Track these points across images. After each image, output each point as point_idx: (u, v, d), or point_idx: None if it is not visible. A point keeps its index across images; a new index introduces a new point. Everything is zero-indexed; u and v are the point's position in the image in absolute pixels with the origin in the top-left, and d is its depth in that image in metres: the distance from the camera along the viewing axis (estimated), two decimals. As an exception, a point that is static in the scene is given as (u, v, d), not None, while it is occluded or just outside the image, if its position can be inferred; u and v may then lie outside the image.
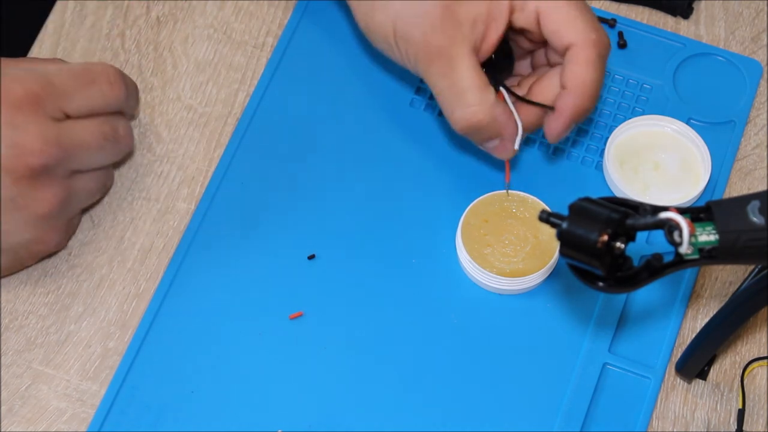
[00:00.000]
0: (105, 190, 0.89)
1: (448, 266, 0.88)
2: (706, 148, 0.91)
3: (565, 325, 0.87)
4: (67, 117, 0.82)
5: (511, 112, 0.85)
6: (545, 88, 0.86)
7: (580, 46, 0.83)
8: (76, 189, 0.84)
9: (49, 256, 0.88)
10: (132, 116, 0.92)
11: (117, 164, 0.91)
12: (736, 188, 0.92)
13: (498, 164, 0.91)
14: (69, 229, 0.87)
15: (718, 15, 0.98)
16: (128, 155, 0.91)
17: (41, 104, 0.80)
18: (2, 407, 0.84)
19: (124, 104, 0.86)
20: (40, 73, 0.81)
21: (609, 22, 0.96)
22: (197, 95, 0.94)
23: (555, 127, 0.85)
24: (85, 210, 0.90)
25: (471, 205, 0.88)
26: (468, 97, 0.83)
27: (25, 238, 0.83)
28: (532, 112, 0.86)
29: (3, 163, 0.79)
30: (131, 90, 0.86)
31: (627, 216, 0.70)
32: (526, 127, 0.86)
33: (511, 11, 0.84)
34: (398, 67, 0.94)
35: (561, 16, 0.84)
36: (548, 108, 0.85)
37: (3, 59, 0.83)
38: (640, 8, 0.98)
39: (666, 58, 0.95)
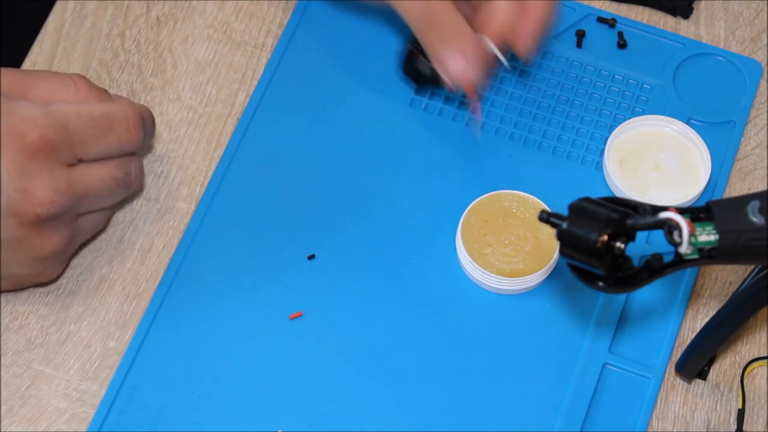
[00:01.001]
0: (108, 223, 0.89)
1: (448, 266, 0.88)
2: (706, 148, 0.91)
3: (565, 325, 0.87)
4: (80, 160, 0.82)
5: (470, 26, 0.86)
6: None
7: None
8: (80, 229, 0.84)
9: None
10: (148, 148, 0.92)
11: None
12: (736, 188, 0.92)
13: (498, 164, 0.91)
14: (68, 260, 0.87)
15: (718, 15, 0.98)
16: (137, 193, 0.91)
17: (56, 151, 0.79)
18: (2, 407, 0.84)
19: (140, 148, 0.85)
20: (57, 117, 0.80)
21: (609, 22, 0.96)
22: (197, 95, 0.94)
23: (526, 35, 0.86)
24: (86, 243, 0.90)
25: (471, 205, 0.88)
26: None
27: (26, 272, 0.83)
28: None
29: (11, 207, 0.79)
30: (149, 131, 0.85)
31: (627, 216, 0.70)
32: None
33: None
34: (399, 67, 0.94)
35: None
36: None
37: (19, 75, 0.82)
38: (640, 8, 0.98)
39: (666, 58, 0.95)
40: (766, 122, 0.94)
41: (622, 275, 0.71)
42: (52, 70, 0.92)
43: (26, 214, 0.79)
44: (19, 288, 0.87)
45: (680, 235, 0.69)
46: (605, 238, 0.69)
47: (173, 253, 0.88)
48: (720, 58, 0.96)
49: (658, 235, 0.71)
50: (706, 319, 0.82)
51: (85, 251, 0.89)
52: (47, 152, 0.79)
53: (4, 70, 0.82)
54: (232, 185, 0.91)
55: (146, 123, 0.84)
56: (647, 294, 0.88)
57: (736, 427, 0.85)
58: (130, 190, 0.86)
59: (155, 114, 0.93)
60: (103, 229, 0.89)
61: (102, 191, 0.83)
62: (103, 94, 0.84)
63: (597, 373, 0.85)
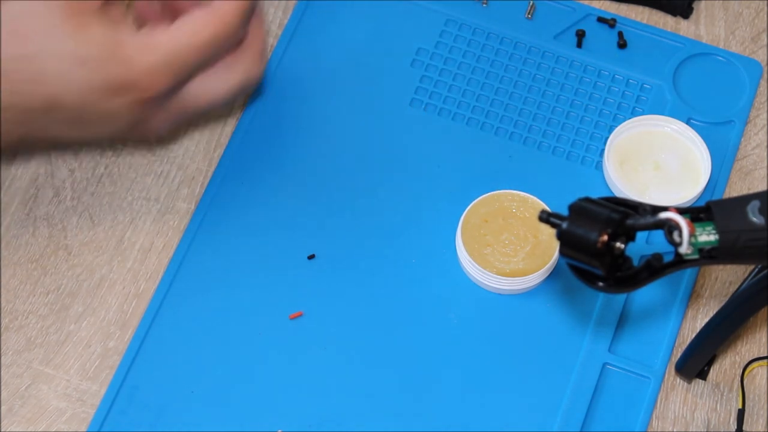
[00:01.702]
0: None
1: (448, 266, 0.88)
2: (706, 148, 0.91)
3: (565, 325, 0.87)
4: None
5: None
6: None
7: None
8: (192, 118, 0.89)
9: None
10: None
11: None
12: (736, 188, 0.92)
13: (498, 164, 0.91)
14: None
15: (718, 15, 0.98)
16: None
17: (171, 91, 0.81)
18: (2, 407, 0.84)
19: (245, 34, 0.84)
20: (176, 64, 0.80)
21: (609, 22, 0.96)
22: (197, 95, 0.94)
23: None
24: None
25: (471, 205, 0.88)
26: None
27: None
28: None
29: (129, 132, 0.82)
30: (251, 14, 0.83)
31: (627, 216, 0.70)
32: None
33: None
34: (398, 67, 0.94)
35: None
36: None
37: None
38: (640, 8, 0.98)
39: (666, 58, 0.95)
40: (766, 122, 0.94)
41: (622, 275, 0.71)
42: None
43: (144, 140, 0.84)
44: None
45: (680, 235, 0.69)
46: (605, 238, 0.69)
47: (173, 253, 0.88)
48: (720, 58, 0.96)
49: (658, 235, 0.71)
50: (706, 319, 0.82)
51: (85, 251, 0.89)
52: (164, 96, 0.81)
53: None
54: (232, 185, 0.91)
55: (245, 15, 0.82)
56: (647, 294, 0.88)
57: (736, 427, 0.85)
58: (253, 85, 0.87)
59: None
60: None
61: (219, 103, 0.85)
62: None
63: (597, 373, 0.85)
